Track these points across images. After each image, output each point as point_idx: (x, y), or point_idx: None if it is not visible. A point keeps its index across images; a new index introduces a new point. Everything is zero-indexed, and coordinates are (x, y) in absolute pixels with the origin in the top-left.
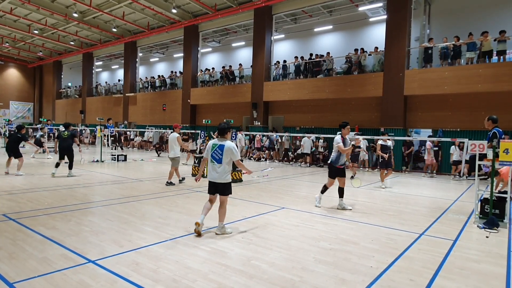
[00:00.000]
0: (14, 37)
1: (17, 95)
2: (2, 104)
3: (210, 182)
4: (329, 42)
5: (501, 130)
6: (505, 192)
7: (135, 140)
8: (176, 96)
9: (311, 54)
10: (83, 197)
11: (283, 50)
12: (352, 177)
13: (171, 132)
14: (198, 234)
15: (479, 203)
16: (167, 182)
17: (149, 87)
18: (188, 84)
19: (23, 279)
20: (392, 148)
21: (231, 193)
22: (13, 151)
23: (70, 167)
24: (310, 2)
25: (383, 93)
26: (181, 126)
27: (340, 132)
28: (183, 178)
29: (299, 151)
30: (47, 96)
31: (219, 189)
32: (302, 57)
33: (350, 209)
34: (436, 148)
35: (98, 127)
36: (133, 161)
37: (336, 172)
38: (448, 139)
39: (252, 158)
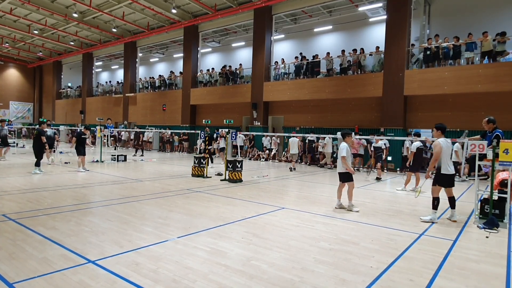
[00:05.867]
0: (14, 37)
1: (17, 95)
2: (2, 104)
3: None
4: (329, 42)
5: (501, 131)
6: (505, 192)
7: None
8: (176, 96)
9: (313, 56)
10: (83, 197)
11: (283, 50)
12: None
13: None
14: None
15: (479, 203)
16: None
17: (149, 87)
18: (188, 84)
19: (23, 279)
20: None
21: (348, 180)
22: None
23: (37, 164)
24: (310, 2)
25: (383, 93)
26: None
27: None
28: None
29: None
30: (47, 96)
31: (340, 177)
32: (304, 56)
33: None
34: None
35: (98, 127)
36: (133, 161)
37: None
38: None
39: (256, 159)
